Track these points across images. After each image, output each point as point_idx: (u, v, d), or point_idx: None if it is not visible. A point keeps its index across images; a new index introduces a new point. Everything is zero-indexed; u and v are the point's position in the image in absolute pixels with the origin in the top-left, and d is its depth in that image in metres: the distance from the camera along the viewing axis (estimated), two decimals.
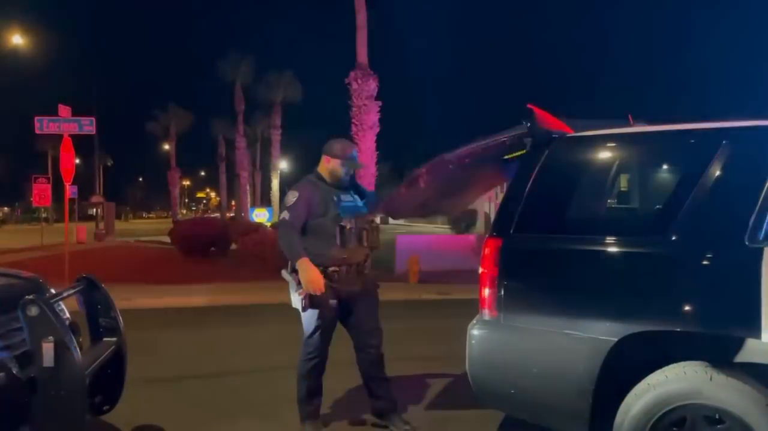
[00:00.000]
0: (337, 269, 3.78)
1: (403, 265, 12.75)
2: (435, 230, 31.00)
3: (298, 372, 3.98)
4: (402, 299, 9.59)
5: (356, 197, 3.98)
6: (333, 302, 3.79)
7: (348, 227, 3.78)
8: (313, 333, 3.87)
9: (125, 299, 8.91)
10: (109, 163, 65.07)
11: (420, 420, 4.13)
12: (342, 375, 4.50)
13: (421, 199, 4.11)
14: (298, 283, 3.72)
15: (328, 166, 3.92)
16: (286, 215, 3.80)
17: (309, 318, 3.85)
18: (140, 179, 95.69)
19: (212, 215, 43.76)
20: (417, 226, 44.43)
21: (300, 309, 3.79)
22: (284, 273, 3.88)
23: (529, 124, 3.27)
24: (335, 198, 3.84)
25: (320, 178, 3.95)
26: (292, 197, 3.83)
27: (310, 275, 3.64)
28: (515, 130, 3.31)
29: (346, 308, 3.93)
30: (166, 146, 51.57)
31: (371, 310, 4.01)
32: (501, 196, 3.73)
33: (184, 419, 4.30)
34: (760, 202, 2.67)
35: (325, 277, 3.71)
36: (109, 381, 3.61)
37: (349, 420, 4.23)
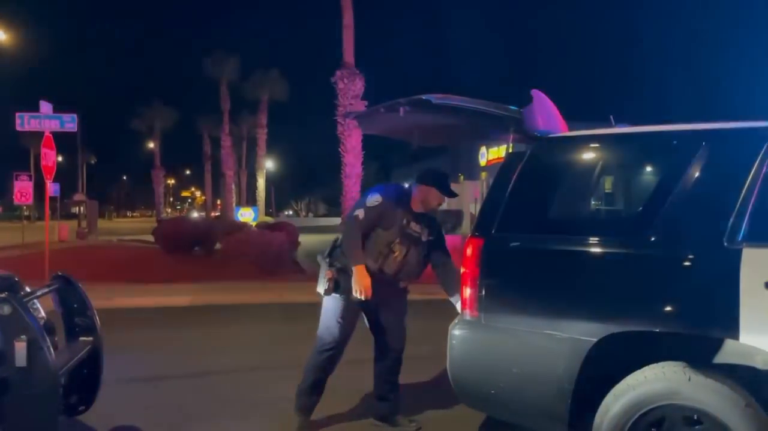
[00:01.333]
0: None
1: None
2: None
3: (307, 362, 3.98)
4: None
5: (425, 229, 3.93)
6: (356, 296, 3.77)
7: (396, 254, 3.81)
8: (333, 324, 3.87)
9: (106, 298, 8.81)
10: (92, 161, 64.48)
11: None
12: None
13: (393, 123, 4.07)
14: (330, 266, 3.79)
15: (424, 195, 3.91)
16: (361, 213, 3.80)
17: (330, 310, 3.87)
18: (124, 178, 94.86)
19: (193, 214, 43.34)
20: None
21: (322, 293, 3.83)
22: (319, 258, 3.94)
23: (514, 128, 3.29)
24: (404, 222, 3.84)
25: (407, 199, 3.92)
26: (375, 200, 3.83)
27: (362, 279, 3.71)
28: (510, 112, 3.30)
29: (374, 311, 3.93)
30: (151, 144, 51.24)
31: (399, 316, 4.02)
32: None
33: (162, 419, 4.25)
34: (738, 204, 2.68)
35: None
36: (85, 381, 3.56)
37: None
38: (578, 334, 2.85)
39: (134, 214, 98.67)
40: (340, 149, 13.83)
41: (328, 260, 3.85)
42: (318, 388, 3.97)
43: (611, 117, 3.62)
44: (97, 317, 3.71)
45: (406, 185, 4.11)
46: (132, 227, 41.26)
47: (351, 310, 3.85)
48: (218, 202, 51.47)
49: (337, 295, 3.81)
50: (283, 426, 4.11)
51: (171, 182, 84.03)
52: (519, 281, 3.16)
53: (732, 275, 2.59)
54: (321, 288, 3.86)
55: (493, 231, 3.16)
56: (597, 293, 2.92)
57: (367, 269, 3.75)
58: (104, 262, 15.44)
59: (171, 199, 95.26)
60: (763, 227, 2.63)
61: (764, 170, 2.69)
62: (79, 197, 34.05)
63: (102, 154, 72.23)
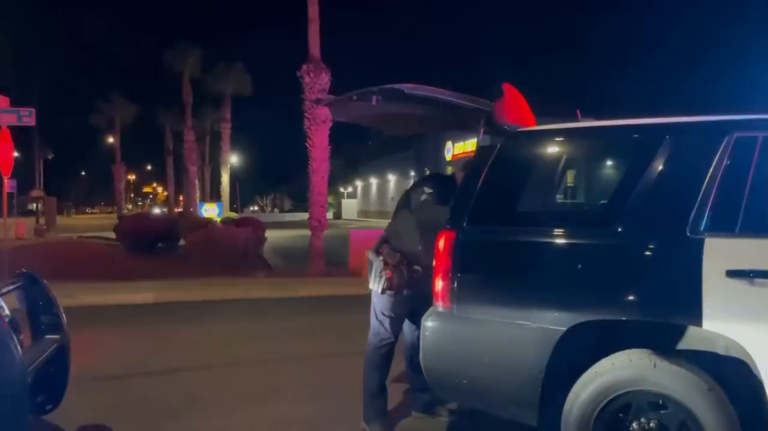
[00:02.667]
0: (419, 268, 3.80)
1: (358, 260, 12.74)
2: None
3: (368, 363, 3.95)
4: (357, 294, 9.57)
5: None
6: (407, 292, 3.81)
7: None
8: (387, 320, 3.89)
9: (68, 296, 8.59)
10: (50, 156, 62.64)
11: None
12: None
13: (364, 112, 4.05)
14: (385, 264, 3.79)
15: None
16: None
17: (385, 305, 3.88)
18: (83, 173, 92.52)
19: (155, 210, 42.48)
20: (371, 221, 44.46)
21: (378, 290, 3.84)
22: (370, 254, 3.94)
23: (484, 120, 3.33)
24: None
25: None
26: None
27: None
28: (481, 104, 3.35)
29: (415, 305, 3.90)
30: (111, 139, 50.11)
31: None
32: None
33: (131, 417, 4.19)
34: (700, 195, 2.77)
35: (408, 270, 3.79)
36: (51, 380, 3.49)
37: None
38: (548, 324, 2.91)
39: (94, 210, 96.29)
40: (306, 144, 13.71)
41: (380, 258, 3.83)
42: (384, 388, 3.95)
43: (578, 111, 3.69)
44: (64, 315, 3.64)
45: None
46: (92, 224, 40.28)
47: (403, 305, 3.89)
48: (181, 198, 50.68)
49: (392, 291, 3.82)
50: (253, 421, 4.10)
51: (132, 177, 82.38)
52: (490, 272, 3.21)
53: (695, 264, 2.68)
54: (376, 286, 3.86)
55: (464, 224, 3.20)
56: (566, 284, 2.98)
57: (421, 262, 3.77)
58: (64, 260, 15.06)
59: (132, 195, 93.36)
60: (725, 217, 2.73)
61: (725, 162, 2.79)
62: (36, 193, 33.14)
63: (60, 149, 70.32)
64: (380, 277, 3.81)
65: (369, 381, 3.93)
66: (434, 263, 3.25)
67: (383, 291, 3.82)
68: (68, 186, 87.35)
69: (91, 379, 4.79)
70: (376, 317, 3.94)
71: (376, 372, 3.93)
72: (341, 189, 71.35)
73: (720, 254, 2.67)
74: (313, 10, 13.70)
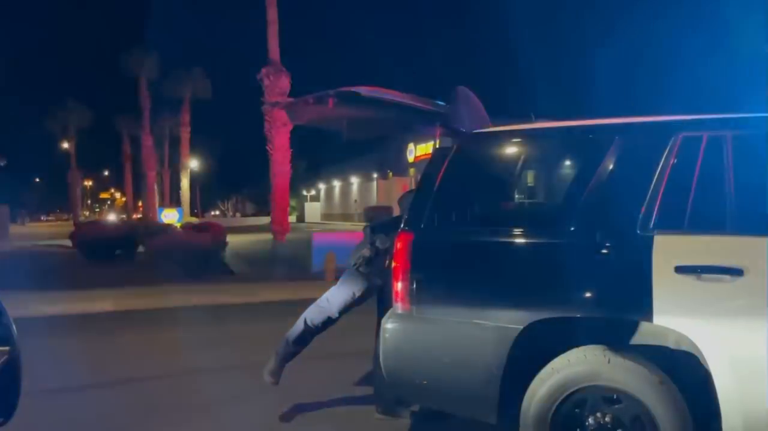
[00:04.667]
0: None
1: (320, 263, 12.69)
2: (351, 228, 31.06)
3: (305, 316, 4.12)
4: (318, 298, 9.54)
5: None
6: (378, 281, 3.94)
7: None
8: (341, 294, 4.07)
9: (22, 307, 8.35)
10: (2, 163, 60.78)
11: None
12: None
13: (321, 114, 4.08)
14: (371, 244, 4.00)
15: None
16: None
17: (347, 279, 4.08)
18: (37, 180, 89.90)
19: (110, 217, 41.50)
20: (333, 224, 44.33)
21: (352, 263, 4.05)
22: (366, 230, 4.18)
23: (440, 122, 3.36)
24: None
25: None
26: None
27: None
28: (437, 107, 3.38)
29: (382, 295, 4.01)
30: (66, 145, 48.86)
31: None
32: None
33: (87, 430, 4.09)
34: (649, 193, 2.86)
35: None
36: (2, 393, 3.37)
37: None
38: (505, 322, 2.95)
39: (50, 218, 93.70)
40: (267, 148, 13.63)
41: (372, 236, 3.99)
42: (305, 343, 4.14)
43: (531, 114, 3.75)
44: (14, 326, 3.53)
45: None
46: (48, 232, 39.17)
47: (368, 291, 4.03)
48: (140, 203, 49.72)
49: (364, 272, 3.98)
50: (215, 429, 4.05)
51: (89, 183, 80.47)
52: (448, 273, 3.25)
53: (645, 260, 2.76)
54: (352, 260, 4.03)
55: (422, 226, 3.23)
56: (522, 283, 3.04)
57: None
58: (18, 269, 14.63)
59: (89, 201, 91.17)
60: (673, 215, 2.82)
61: (672, 161, 2.88)
62: None
63: (12, 155, 68.25)
64: (360, 253, 3.98)
65: (296, 328, 4.12)
66: (393, 265, 3.27)
67: (355, 265, 3.96)
68: (22, 193, 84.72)
69: (46, 392, 4.64)
70: (333, 290, 4.10)
71: (306, 327, 4.11)
72: (304, 192, 70.96)
73: (669, 250, 2.75)
74: (272, 12, 13.66)
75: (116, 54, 38.12)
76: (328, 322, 4.16)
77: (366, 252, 4.03)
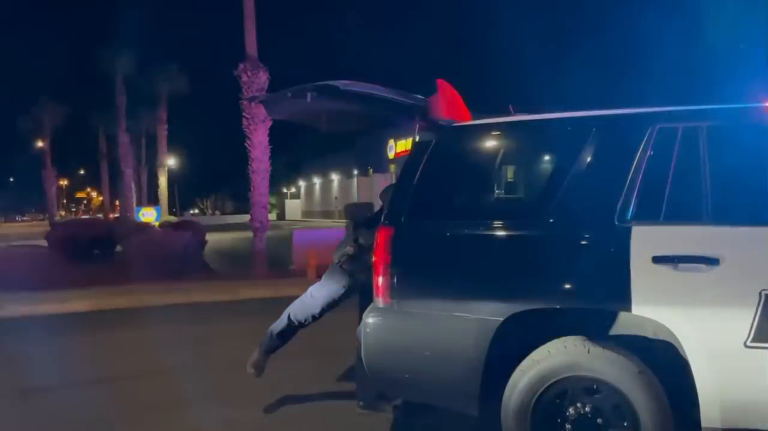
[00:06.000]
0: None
1: (301, 260, 12.64)
2: (332, 225, 30.97)
3: (289, 311, 4.15)
4: (300, 295, 9.50)
5: None
6: (362, 278, 3.90)
7: None
8: (325, 291, 4.09)
9: None
10: None
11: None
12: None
13: (300, 108, 4.00)
14: (354, 241, 4.03)
15: None
16: None
17: (331, 276, 4.10)
18: (11, 180, 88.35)
19: (84, 217, 40.98)
20: (313, 221, 44.18)
21: (336, 260, 4.08)
22: (349, 225, 4.23)
23: (419, 116, 3.35)
24: None
25: None
26: None
27: None
28: (416, 100, 3.36)
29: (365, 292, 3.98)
30: (40, 143, 48.01)
31: None
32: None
33: (61, 429, 4.02)
34: (627, 184, 2.88)
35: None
36: None
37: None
38: (486, 314, 2.96)
39: (24, 218, 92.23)
40: (246, 144, 13.50)
41: (354, 233, 4.01)
42: (289, 337, 4.17)
43: (510, 106, 3.76)
44: None
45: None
46: (23, 232, 38.48)
47: (352, 288, 4.05)
48: (117, 202, 49.10)
49: (348, 269, 4.01)
50: (194, 428, 4.02)
51: (64, 183, 79.25)
52: (428, 267, 3.24)
53: (623, 251, 2.78)
54: (336, 257, 4.06)
55: (402, 219, 3.22)
56: (502, 275, 3.05)
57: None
58: None
59: (65, 201, 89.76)
60: (650, 206, 2.84)
61: (649, 153, 2.90)
62: None
63: None
64: (344, 250, 4.02)
65: (280, 321, 4.16)
66: (374, 259, 3.26)
67: (340, 262, 3.99)
68: None
69: (20, 392, 4.57)
70: (317, 287, 4.11)
71: (290, 321, 4.14)
72: (284, 190, 70.66)
73: (646, 241, 2.78)
74: (249, 6, 13.47)
75: (91, 50, 37.49)
76: (311, 319, 4.16)
77: (350, 250, 4.04)
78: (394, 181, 4.78)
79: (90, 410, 4.45)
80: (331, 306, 4.15)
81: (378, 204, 4.17)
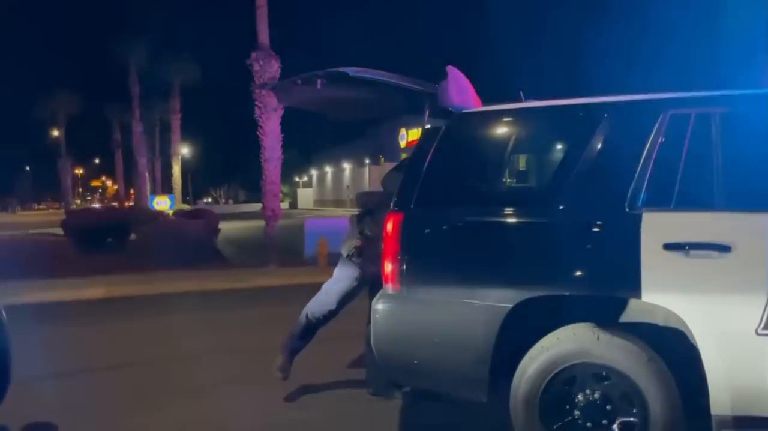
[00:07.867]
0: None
1: (312, 248, 12.69)
2: (344, 214, 31.02)
3: (307, 311, 4.18)
4: (312, 283, 9.51)
5: None
6: (372, 269, 3.86)
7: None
8: (338, 286, 4.11)
9: (12, 294, 8.31)
10: None
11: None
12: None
13: (310, 96, 4.01)
14: (360, 233, 4.05)
15: None
16: None
17: (343, 271, 4.12)
18: (28, 169, 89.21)
19: (95, 206, 41.28)
20: (325, 210, 44.24)
21: (345, 255, 4.10)
22: (351, 218, 4.25)
23: (428, 103, 3.34)
24: None
25: None
26: None
27: None
28: (426, 87, 3.36)
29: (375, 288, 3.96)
30: (55, 133, 48.43)
31: None
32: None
33: (78, 415, 4.08)
34: (638, 171, 2.85)
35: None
36: None
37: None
38: (495, 301, 2.96)
39: (41, 206, 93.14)
40: (258, 133, 13.52)
41: (358, 225, 4.01)
42: (308, 336, 4.21)
43: (520, 92, 3.73)
44: (4, 313, 3.51)
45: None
46: (39, 220, 38.91)
47: (363, 279, 4.06)
48: (131, 191, 49.45)
49: (358, 261, 4.02)
50: (207, 414, 4.06)
51: (80, 172, 79.94)
52: (437, 253, 3.23)
53: (633, 238, 2.76)
54: (344, 251, 4.08)
55: (411, 206, 3.22)
56: (511, 262, 3.04)
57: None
58: (9, 257, 14.56)
59: (80, 190, 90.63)
60: (661, 192, 2.82)
61: (660, 139, 2.87)
62: None
63: (2, 144, 67.62)
64: (351, 243, 4.02)
65: (299, 322, 4.19)
66: (383, 245, 3.26)
67: (349, 256, 3.99)
68: (12, 182, 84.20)
69: (36, 378, 4.64)
70: (330, 283, 4.11)
71: (308, 320, 4.17)
72: (296, 179, 70.80)
73: (657, 228, 2.76)
74: None
75: (105, 40, 37.61)
76: (330, 314, 4.19)
77: (357, 243, 4.05)
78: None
79: (103, 395, 4.52)
80: (346, 300, 4.17)
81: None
